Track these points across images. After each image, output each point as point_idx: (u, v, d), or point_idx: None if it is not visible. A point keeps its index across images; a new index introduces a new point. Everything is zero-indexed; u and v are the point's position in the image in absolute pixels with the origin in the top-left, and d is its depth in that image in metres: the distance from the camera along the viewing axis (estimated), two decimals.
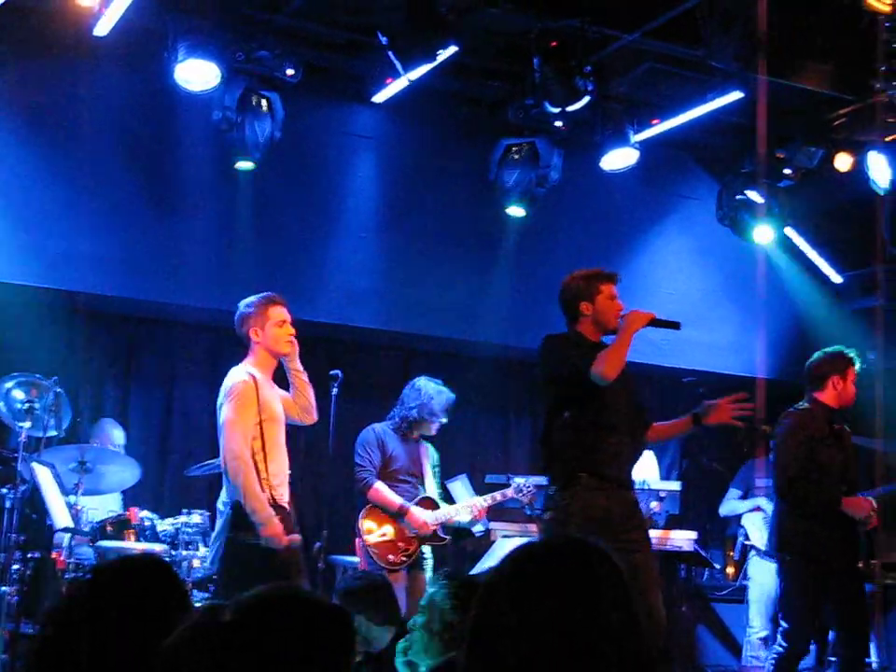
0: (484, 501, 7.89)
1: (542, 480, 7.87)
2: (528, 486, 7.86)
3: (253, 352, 6.40)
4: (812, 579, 6.87)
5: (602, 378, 5.67)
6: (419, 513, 7.66)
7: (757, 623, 9.51)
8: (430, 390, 7.81)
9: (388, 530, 7.65)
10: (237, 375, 6.26)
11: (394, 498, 7.65)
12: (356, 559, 7.98)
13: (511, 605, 2.05)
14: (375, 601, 5.47)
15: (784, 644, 6.92)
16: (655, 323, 5.91)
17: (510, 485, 7.91)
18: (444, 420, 7.88)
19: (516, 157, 8.83)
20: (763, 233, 9.61)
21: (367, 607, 5.39)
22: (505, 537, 8.37)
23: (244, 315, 6.43)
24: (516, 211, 9.06)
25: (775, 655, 7.00)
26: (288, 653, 2.13)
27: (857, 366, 7.08)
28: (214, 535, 6.29)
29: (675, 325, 6.04)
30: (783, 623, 7.00)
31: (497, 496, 7.90)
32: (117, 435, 8.31)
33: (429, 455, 7.99)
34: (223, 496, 6.18)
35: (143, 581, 2.60)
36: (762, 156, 8.37)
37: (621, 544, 5.69)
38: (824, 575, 6.87)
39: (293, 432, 7.89)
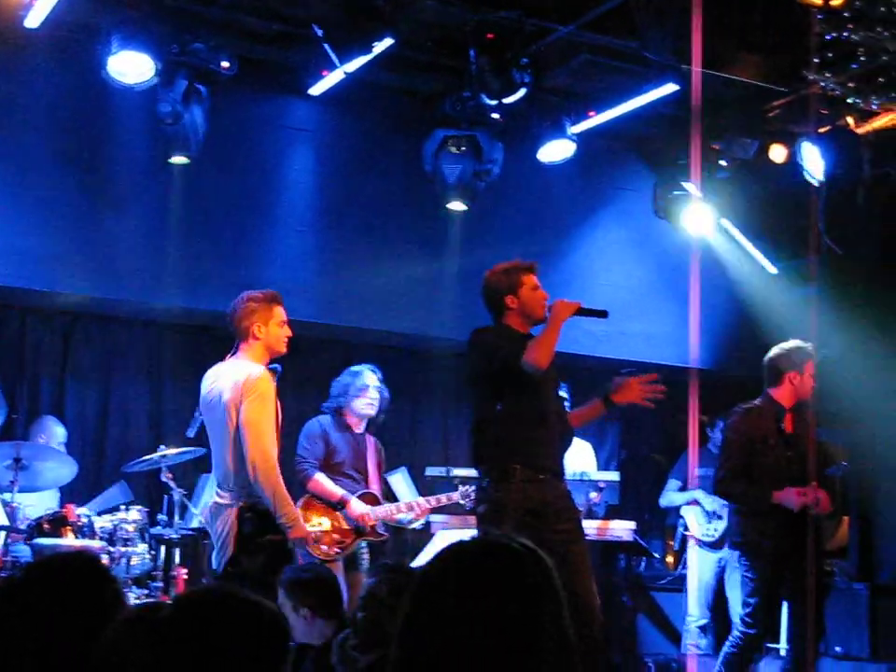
0: (427, 503, 7.86)
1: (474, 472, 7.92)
2: (473, 492, 7.86)
3: (251, 347, 6.28)
4: (767, 570, 6.93)
5: (535, 368, 5.67)
6: (359, 505, 7.63)
7: (696, 611, 9.58)
8: (346, 374, 7.81)
9: (324, 521, 7.60)
10: (254, 370, 6.12)
11: (334, 489, 7.60)
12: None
13: (442, 602, 2.05)
14: (321, 594, 5.46)
15: (742, 630, 6.99)
16: (582, 312, 5.92)
17: (456, 489, 7.90)
18: (370, 396, 7.81)
19: (456, 150, 8.80)
20: (699, 225, 9.68)
21: (312, 599, 5.38)
22: (445, 530, 8.37)
23: (248, 310, 6.29)
24: (457, 206, 9.05)
25: (732, 641, 7.06)
26: (224, 652, 2.13)
27: (815, 359, 7.12)
28: (219, 534, 6.15)
29: (602, 313, 6.03)
30: (742, 609, 7.06)
31: (443, 498, 7.89)
32: (59, 432, 8.24)
33: (375, 451, 7.96)
34: (224, 496, 6.09)
35: (73, 577, 2.58)
36: (695, 148, 8.41)
37: (556, 535, 5.75)
38: (779, 566, 6.93)
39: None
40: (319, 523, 7.59)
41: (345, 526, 7.66)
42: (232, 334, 6.30)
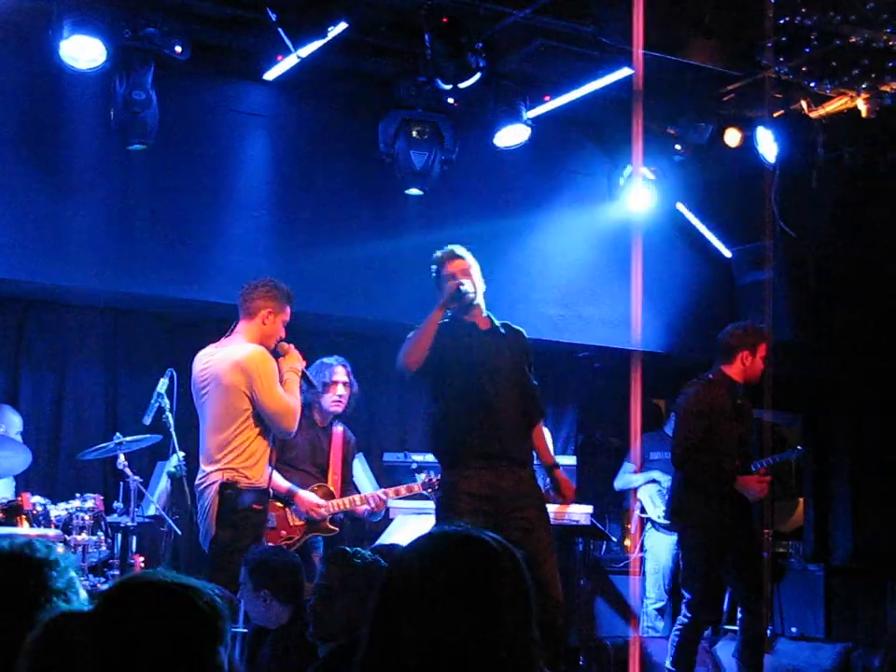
0: (384, 494, 7.83)
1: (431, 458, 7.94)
2: (435, 480, 7.85)
3: (251, 332, 6.39)
4: (710, 548, 6.97)
5: (403, 369, 6.00)
6: (308, 496, 7.57)
7: (653, 594, 9.66)
8: (312, 368, 7.77)
9: (270, 518, 7.54)
10: (258, 351, 6.24)
11: (281, 483, 7.52)
12: None
13: (414, 596, 2.06)
14: (281, 578, 5.48)
15: (688, 614, 7.02)
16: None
17: (414, 475, 7.90)
18: (338, 392, 7.79)
19: (419, 137, 8.77)
20: (654, 209, 9.71)
21: (274, 582, 5.40)
22: (403, 515, 8.37)
23: (268, 295, 6.38)
24: (415, 191, 9.02)
25: (679, 626, 7.10)
26: (148, 641, 2.14)
27: (769, 342, 7.17)
28: (204, 511, 6.40)
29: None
30: (685, 594, 7.10)
31: (402, 489, 7.86)
32: (16, 421, 8.17)
33: (344, 442, 7.89)
34: (208, 472, 6.31)
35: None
36: (638, 133, 8.45)
37: (513, 522, 5.76)
38: (721, 545, 6.97)
39: (188, 416, 7.84)
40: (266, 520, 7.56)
41: (294, 522, 7.60)
42: (240, 310, 6.42)
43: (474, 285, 6.25)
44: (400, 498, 8.34)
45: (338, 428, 7.92)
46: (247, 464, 6.38)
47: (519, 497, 5.91)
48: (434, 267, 6.23)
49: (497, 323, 6.39)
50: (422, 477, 7.90)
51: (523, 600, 2.11)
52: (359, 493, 7.96)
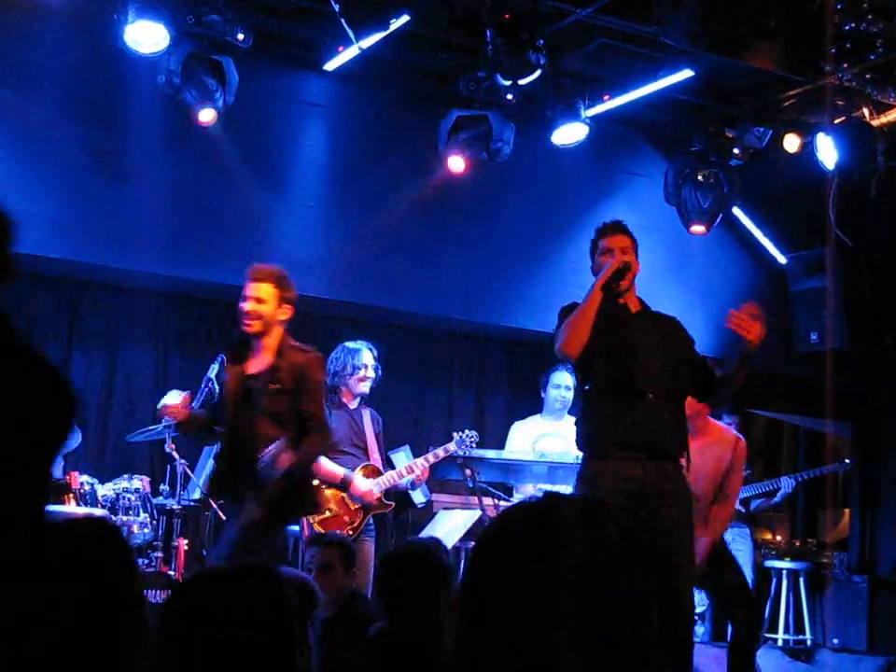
0: (426, 461, 7.90)
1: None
2: (471, 437, 7.88)
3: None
4: None
5: (561, 355, 5.55)
6: (362, 482, 7.66)
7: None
8: (339, 352, 7.85)
9: (332, 505, 7.64)
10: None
11: (335, 469, 7.64)
12: (296, 528, 7.97)
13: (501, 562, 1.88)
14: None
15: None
16: (607, 284, 5.61)
17: (460, 469, 7.93)
18: (367, 375, 7.83)
19: (469, 130, 8.75)
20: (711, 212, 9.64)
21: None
22: (446, 509, 8.40)
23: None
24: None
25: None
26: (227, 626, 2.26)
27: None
28: None
29: (621, 272, 5.67)
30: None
31: (440, 452, 7.92)
32: None
33: (373, 421, 7.98)
34: None
35: (91, 543, 2.57)
36: (710, 135, 8.38)
37: (656, 522, 5.36)
38: None
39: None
40: (328, 508, 7.62)
41: (353, 506, 7.68)
42: None
43: (633, 264, 5.77)
44: (444, 494, 8.38)
45: (366, 410, 8.00)
46: None
47: (663, 495, 5.48)
48: (593, 244, 5.87)
49: (649, 307, 5.99)
50: (456, 435, 7.92)
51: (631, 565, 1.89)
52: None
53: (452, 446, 7.87)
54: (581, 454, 5.71)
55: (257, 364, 6.28)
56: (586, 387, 5.63)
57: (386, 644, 4.45)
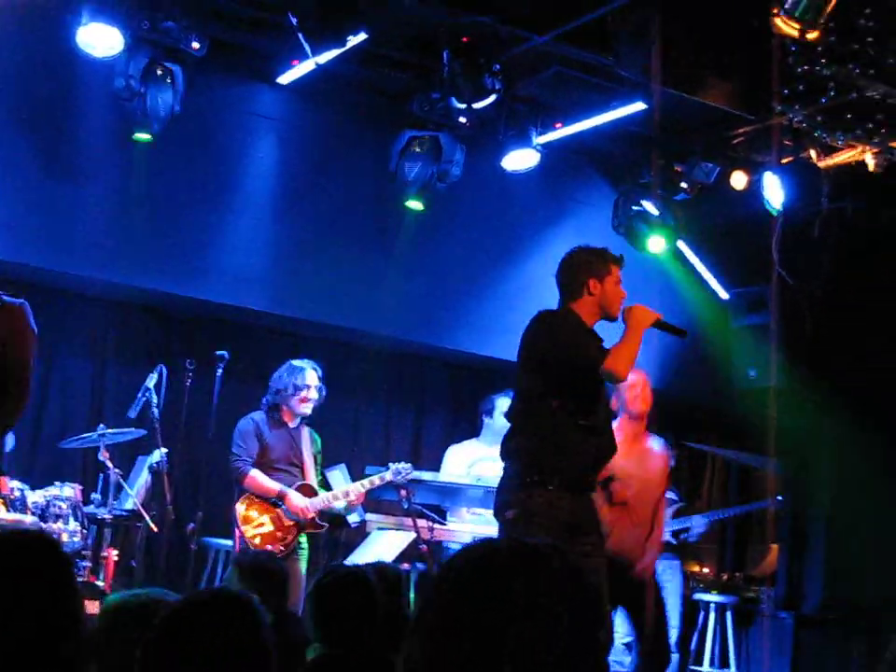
0: (362, 486, 7.85)
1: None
2: (406, 469, 7.85)
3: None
4: None
5: (616, 377, 5.32)
6: (297, 499, 7.62)
7: (622, 628, 9.61)
8: (283, 370, 7.81)
9: (265, 520, 7.60)
10: None
11: (271, 485, 7.61)
12: (229, 542, 7.92)
13: (471, 605, 1.90)
14: (270, 584, 5.48)
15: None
16: (660, 325, 5.52)
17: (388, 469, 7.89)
18: (309, 396, 7.79)
19: (418, 150, 8.75)
20: (657, 244, 9.72)
21: (262, 586, 5.39)
22: (380, 529, 8.36)
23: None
24: (415, 204, 9.00)
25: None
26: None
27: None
28: None
29: (681, 332, 5.64)
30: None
31: (376, 479, 7.87)
32: None
33: (311, 442, 7.95)
34: None
35: (31, 558, 2.53)
36: (657, 168, 8.41)
37: (582, 548, 5.32)
38: None
39: (173, 413, 7.82)
40: (261, 522, 7.58)
41: (287, 522, 7.64)
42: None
43: None
44: (378, 514, 8.35)
45: (304, 429, 7.95)
46: None
47: (592, 526, 5.53)
48: (596, 262, 5.60)
49: None
50: (393, 465, 7.88)
51: (590, 609, 1.93)
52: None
53: (388, 475, 7.83)
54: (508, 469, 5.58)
55: None
56: (553, 404, 5.40)
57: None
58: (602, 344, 5.47)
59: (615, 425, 6.03)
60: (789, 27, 5.99)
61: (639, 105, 8.28)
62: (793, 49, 6.50)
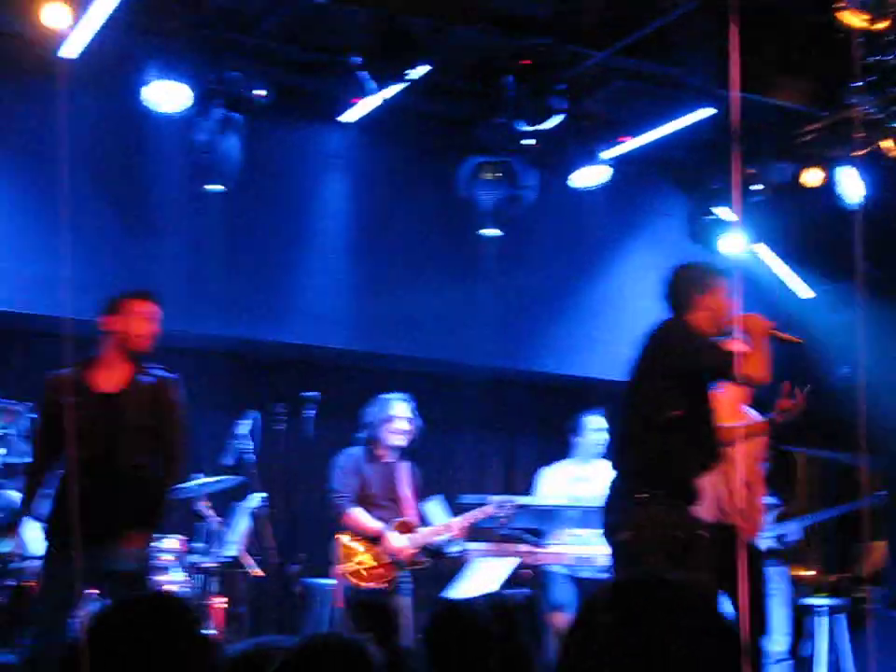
0: (464, 521, 7.81)
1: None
2: (509, 504, 7.80)
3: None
4: None
5: (757, 381, 5.30)
6: (395, 539, 7.59)
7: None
8: (375, 405, 7.78)
9: (366, 558, 7.57)
10: None
11: (370, 524, 7.58)
12: (331, 581, 7.92)
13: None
14: (381, 621, 5.49)
15: None
16: (775, 335, 5.51)
17: (489, 504, 7.84)
18: (399, 427, 7.75)
19: (490, 176, 8.74)
20: (734, 248, 9.63)
21: (372, 624, 5.40)
22: (480, 557, 8.32)
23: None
24: (491, 231, 8.99)
25: None
26: None
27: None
28: None
29: (797, 341, 5.66)
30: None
31: (478, 514, 7.82)
32: None
33: (409, 476, 7.91)
34: None
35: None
36: (736, 171, 8.33)
37: (695, 562, 5.16)
38: None
39: (268, 457, 7.86)
40: (361, 560, 7.56)
41: (387, 560, 7.61)
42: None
43: None
44: (478, 542, 8.30)
45: (404, 463, 7.91)
46: None
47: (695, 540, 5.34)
48: (706, 276, 5.59)
49: None
50: (495, 499, 7.83)
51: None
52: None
53: (490, 509, 7.76)
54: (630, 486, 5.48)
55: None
56: (673, 414, 5.30)
57: None
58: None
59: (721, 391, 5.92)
60: (857, 18, 5.92)
61: (707, 112, 8.23)
62: (862, 40, 6.42)
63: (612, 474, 8.50)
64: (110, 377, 5.89)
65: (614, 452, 5.65)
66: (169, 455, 5.98)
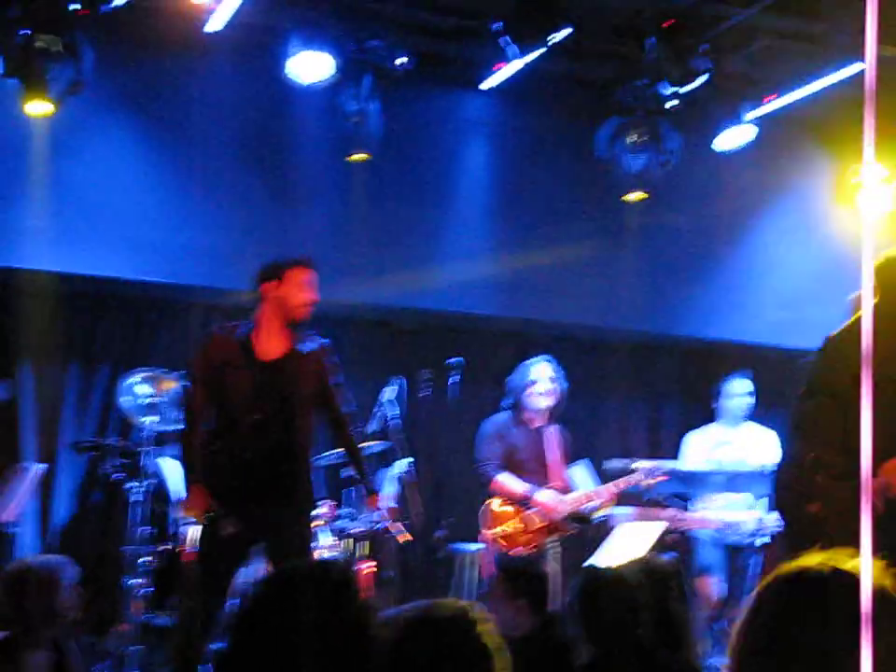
0: (615, 487, 7.77)
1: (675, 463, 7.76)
2: (657, 469, 7.74)
3: None
4: None
5: None
6: (546, 497, 7.56)
7: None
8: (519, 369, 7.74)
9: (516, 522, 7.58)
10: None
11: (518, 487, 7.56)
12: (477, 546, 7.95)
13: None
14: (534, 587, 5.49)
15: None
16: None
17: (635, 470, 7.79)
18: (540, 389, 7.68)
19: (637, 140, 8.64)
20: (884, 209, 9.40)
21: (525, 589, 5.40)
22: (626, 522, 8.29)
23: None
24: (637, 195, 8.89)
25: None
26: None
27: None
28: None
29: None
30: None
31: (621, 483, 7.78)
32: None
33: (558, 440, 7.85)
34: None
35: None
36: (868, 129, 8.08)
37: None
38: None
39: (411, 423, 7.92)
40: (512, 525, 7.57)
41: (537, 525, 7.61)
42: None
43: None
44: (622, 506, 8.27)
45: (551, 429, 7.86)
46: None
47: None
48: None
49: None
50: (641, 465, 7.76)
51: None
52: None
53: (640, 476, 7.71)
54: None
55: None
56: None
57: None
58: None
59: None
60: None
61: (854, 68, 8.02)
62: None
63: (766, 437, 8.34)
64: (270, 344, 5.91)
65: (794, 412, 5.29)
66: (336, 421, 6.12)
